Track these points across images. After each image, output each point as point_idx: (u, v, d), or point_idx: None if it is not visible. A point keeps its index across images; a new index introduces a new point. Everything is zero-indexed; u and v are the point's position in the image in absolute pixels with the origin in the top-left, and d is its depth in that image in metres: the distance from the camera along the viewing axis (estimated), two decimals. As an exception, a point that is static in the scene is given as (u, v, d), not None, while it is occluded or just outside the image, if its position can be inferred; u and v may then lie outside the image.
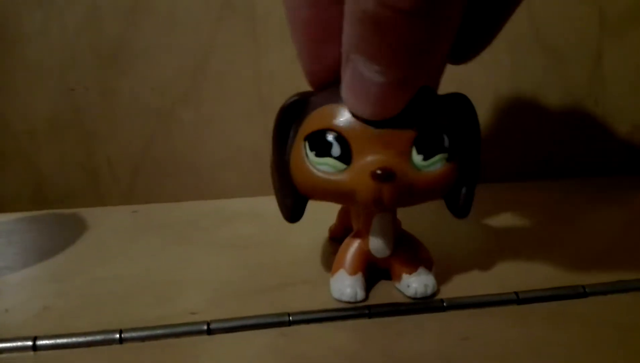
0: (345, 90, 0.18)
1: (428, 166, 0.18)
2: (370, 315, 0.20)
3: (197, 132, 0.37)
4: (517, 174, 0.40)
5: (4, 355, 0.18)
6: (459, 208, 0.21)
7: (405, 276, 0.21)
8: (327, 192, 0.19)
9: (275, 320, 0.20)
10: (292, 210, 0.21)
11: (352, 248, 0.22)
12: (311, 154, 0.19)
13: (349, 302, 0.21)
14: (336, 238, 0.27)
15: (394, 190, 0.18)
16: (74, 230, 0.31)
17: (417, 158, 0.18)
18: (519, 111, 0.39)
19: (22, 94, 0.36)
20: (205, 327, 0.19)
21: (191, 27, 0.36)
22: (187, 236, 0.30)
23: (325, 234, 0.28)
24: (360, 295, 0.21)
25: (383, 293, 0.22)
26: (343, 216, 0.27)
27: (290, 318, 0.20)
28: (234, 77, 0.36)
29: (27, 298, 0.23)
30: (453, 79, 0.37)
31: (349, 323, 0.20)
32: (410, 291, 0.21)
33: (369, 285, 0.22)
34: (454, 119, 0.20)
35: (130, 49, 0.36)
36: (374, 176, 0.17)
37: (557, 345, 0.18)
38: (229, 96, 0.37)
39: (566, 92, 0.39)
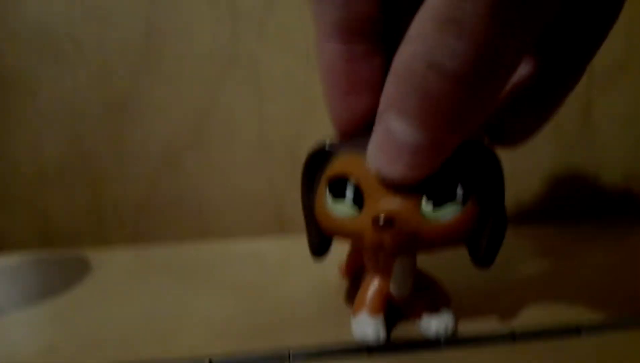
0: (374, 150, 0.18)
1: (438, 215, 0.18)
2: (369, 351, 0.20)
3: (200, 177, 0.38)
4: (510, 219, 0.40)
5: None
6: (480, 257, 0.21)
7: (426, 316, 0.22)
8: (342, 233, 0.20)
9: (276, 356, 0.20)
10: (318, 246, 0.22)
11: (373, 288, 0.22)
12: (330, 198, 0.20)
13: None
14: (352, 277, 0.27)
15: (395, 237, 0.18)
16: (79, 270, 0.32)
17: (426, 206, 0.18)
18: (512, 160, 0.40)
19: (32, 140, 0.37)
20: (207, 362, 0.19)
21: (197, 79, 0.38)
22: (190, 276, 0.30)
23: (323, 275, 0.28)
24: (383, 335, 0.21)
25: (403, 333, 0.22)
26: (353, 255, 0.27)
27: (291, 354, 0.20)
28: (237, 125, 0.38)
29: (32, 337, 0.23)
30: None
31: (348, 360, 0.20)
32: (431, 331, 0.21)
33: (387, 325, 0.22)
34: (471, 168, 0.19)
35: (138, 100, 0.38)
36: (374, 222, 0.18)
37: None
38: (232, 143, 0.38)
39: (557, 141, 0.40)
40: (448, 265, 0.27)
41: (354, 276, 0.25)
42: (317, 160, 0.21)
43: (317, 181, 0.21)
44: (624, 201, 0.41)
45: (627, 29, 0.38)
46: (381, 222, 0.18)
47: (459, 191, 0.19)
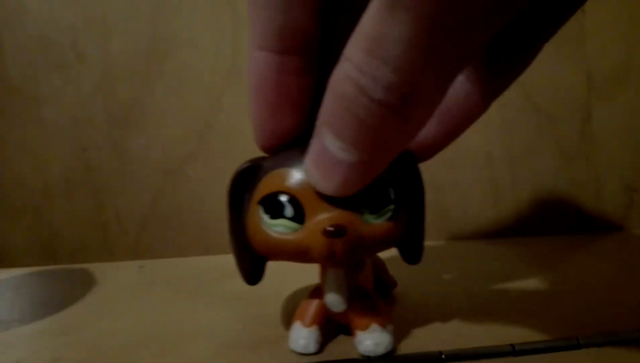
0: (310, 165, 0.18)
1: (377, 219, 0.19)
2: (370, 365, 0.20)
3: (203, 188, 0.38)
4: (508, 230, 0.41)
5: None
6: (411, 255, 0.22)
7: (358, 332, 0.21)
8: (284, 251, 0.20)
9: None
10: (252, 272, 0.22)
11: (312, 302, 0.22)
12: (265, 217, 0.20)
13: (302, 354, 0.21)
14: None
15: (346, 244, 0.18)
16: (83, 284, 0.32)
17: (366, 212, 0.19)
18: (511, 169, 0.40)
19: (36, 152, 0.38)
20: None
21: (200, 89, 0.38)
22: (192, 290, 0.30)
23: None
24: (313, 347, 0.21)
25: (338, 348, 0.22)
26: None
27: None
28: (240, 135, 0.38)
29: (36, 350, 0.23)
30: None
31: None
32: (361, 348, 0.21)
33: (330, 340, 0.23)
34: (398, 172, 0.21)
35: (142, 111, 0.38)
36: (325, 233, 0.18)
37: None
38: (235, 154, 0.38)
39: (557, 151, 0.40)
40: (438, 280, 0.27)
41: None
42: (245, 179, 0.21)
43: (246, 202, 0.21)
44: (624, 214, 0.41)
45: (627, 40, 0.38)
46: (334, 232, 0.18)
47: (392, 194, 0.20)
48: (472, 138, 0.39)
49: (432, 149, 0.22)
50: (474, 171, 0.40)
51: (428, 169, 0.39)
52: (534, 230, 0.41)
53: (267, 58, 0.18)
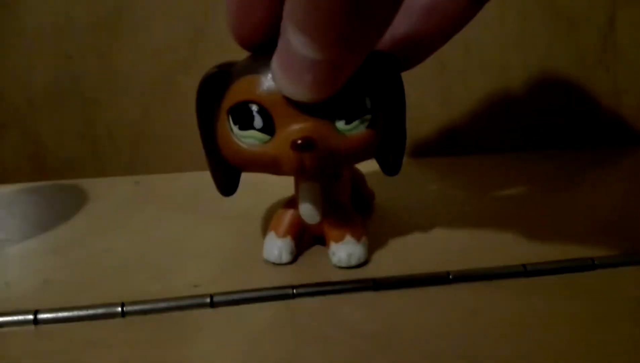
0: (276, 67, 0.17)
1: (351, 129, 0.18)
2: (376, 288, 0.20)
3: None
4: (524, 144, 0.39)
5: (5, 329, 0.18)
6: (390, 166, 0.21)
7: (332, 244, 0.22)
8: (255, 163, 0.19)
9: (279, 293, 0.19)
10: (225, 183, 0.21)
11: (287, 212, 0.22)
12: (235, 128, 0.19)
13: (275, 264, 0.22)
14: None
15: (316, 158, 0.18)
16: (75, 201, 0.31)
17: (339, 122, 0.18)
18: (528, 79, 0.38)
19: (19, 63, 0.35)
20: (208, 300, 0.19)
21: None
22: (189, 207, 0.29)
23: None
24: (286, 257, 0.22)
25: (312, 259, 0.22)
26: None
27: (294, 291, 0.19)
28: (233, 42, 0.36)
29: (27, 271, 0.23)
30: (457, 46, 0.37)
31: (354, 295, 0.19)
32: (334, 260, 0.21)
33: (304, 250, 0.23)
34: (376, 78, 0.19)
35: (128, 15, 0.35)
36: (294, 146, 0.17)
37: (565, 317, 0.18)
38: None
39: (577, 60, 0.38)
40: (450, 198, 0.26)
41: None
42: (213, 87, 0.19)
43: (216, 110, 0.19)
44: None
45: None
46: (302, 145, 0.17)
47: (368, 103, 0.19)
48: (487, 41, 0.37)
49: (418, 50, 0.21)
50: (487, 77, 0.38)
51: (438, 79, 0.37)
52: (549, 143, 0.39)
53: None
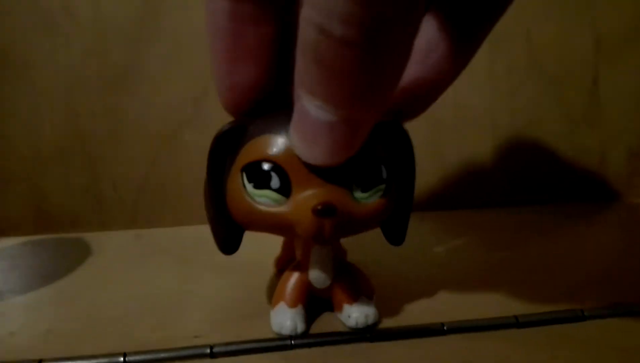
0: (292, 131, 0.17)
1: (367, 197, 0.18)
2: (372, 339, 0.20)
3: (200, 155, 0.37)
4: (513, 198, 0.40)
5: (10, 378, 0.18)
6: (396, 236, 0.22)
7: (346, 306, 0.21)
8: (267, 224, 0.19)
9: (278, 344, 0.20)
10: (228, 242, 0.20)
11: (292, 279, 0.21)
12: (249, 186, 0.18)
13: (290, 336, 0.20)
14: (283, 269, 0.25)
15: (335, 224, 0.17)
16: (78, 254, 0.31)
17: (356, 190, 0.18)
18: (516, 135, 0.40)
19: (28, 119, 0.37)
20: (208, 351, 0.19)
21: (196, 52, 0.37)
22: (189, 259, 0.30)
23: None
24: (300, 327, 0.21)
25: (325, 325, 0.21)
26: (287, 247, 0.26)
27: (292, 342, 0.20)
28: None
29: (31, 321, 0.23)
30: (449, 103, 0.38)
31: (351, 346, 0.20)
32: (351, 322, 0.21)
33: (312, 317, 0.22)
34: (389, 148, 0.19)
35: (136, 75, 0.37)
36: (315, 211, 0.17)
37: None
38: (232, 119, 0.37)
39: (563, 116, 0.40)
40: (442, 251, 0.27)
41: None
42: (228, 142, 0.19)
43: (228, 167, 0.19)
44: (629, 182, 0.40)
45: (636, 2, 0.37)
46: (324, 211, 0.17)
47: (384, 172, 0.19)
48: (477, 100, 0.39)
49: (417, 99, 0.21)
50: (476, 134, 0.39)
51: (431, 134, 0.39)
52: (537, 198, 0.40)
53: (221, 6, 0.17)
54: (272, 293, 0.22)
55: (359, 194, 0.18)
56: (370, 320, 0.21)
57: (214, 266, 0.28)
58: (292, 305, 0.21)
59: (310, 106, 0.15)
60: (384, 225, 0.21)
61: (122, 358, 0.19)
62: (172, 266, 0.29)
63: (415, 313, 0.22)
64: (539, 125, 0.40)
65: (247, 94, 0.18)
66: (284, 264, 0.26)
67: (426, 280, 0.26)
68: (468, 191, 0.40)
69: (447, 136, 0.39)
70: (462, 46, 0.20)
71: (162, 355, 0.19)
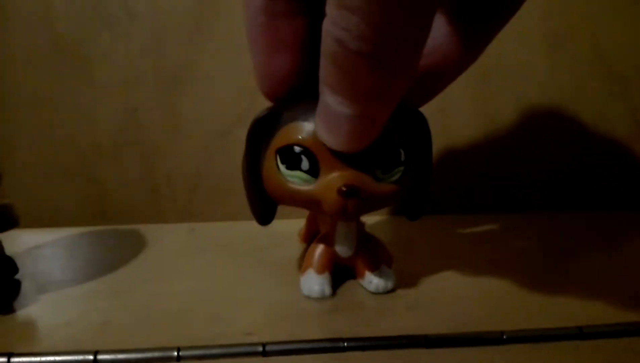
0: (317, 121, 0.19)
1: (387, 178, 0.21)
2: (427, 345, 0.19)
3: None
4: (577, 202, 0.39)
5: (66, 368, 0.19)
6: (414, 212, 0.24)
7: (367, 273, 0.24)
8: (297, 200, 0.21)
9: (331, 345, 0.19)
10: (263, 214, 0.23)
11: (319, 249, 0.24)
12: (282, 167, 0.21)
13: (318, 298, 0.23)
14: (308, 242, 0.30)
15: (358, 203, 0.20)
16: (134, 246, 0.32)
17: (377, 171, 0.20)
18: (580, 136, 0.38)
19: (87, 114, 0.38)
20: (260, 349, 0.19)
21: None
22: (243, 255, 0.30)
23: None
24: (328, 291, 0.23)
25: (349, 291, 0.24)
26: (310, 222, 0.30)
27: (345, 344, 0.19)
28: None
29: (87, 311, 0.23)
30: (511, 101, 0.37)
31: (405, 352, 0.19)
32: (371, 287, 0.24)
33: (336, 283, 0.24)
34: (409, 133, 0.21)
35: (192, 71, 0.37)
36: (340, 192, 0.19)
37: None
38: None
39: (630, 118, 0.38)
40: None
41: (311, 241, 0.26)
42: (264, 127, 0.21)
43: (264, 149, 0.21)
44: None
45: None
46: (348, 192, 0.19)
47: (402, 155, 0.21)
48: (539, 101, 0.38)
49: (422, 89, 0.22)
50: (539, 138, 0.38)
51: (490, 134, 0.38)
52: (601, 203, 0.38)
53: (258, 3, 0.19)
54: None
55: (379, 175, 0.20)
56: (390, 286, 0.24)
57: (267, 263, 0.28)
58: (320, 271, 0.24)
59: (331, 101, 0.17)
60: (403, 203, 0.24)
61: (175, 353, 0.19)
62: (225, 261, 0.29)
63: (474, 320, 0.21)
64: (604, 127, 0.38)
65: (284, 81, 0.20)
66: (309, 237, 0.30)
67: (484, 286, 0.25)
68: (528, 193, 0.39)
69: (508, 134, 0.38)
70: (471, 40, 0.21)
71: (215, 351, 0.19)
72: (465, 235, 0.33)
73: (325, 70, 0.17)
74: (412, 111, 0.22)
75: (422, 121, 0.22)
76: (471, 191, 0.39)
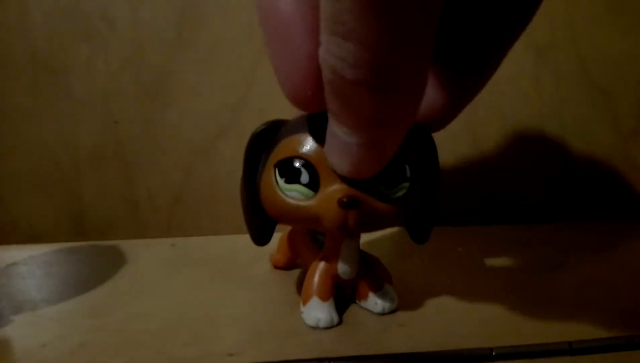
0: (326, 148, 0.18)
1: (390, 194, 0.20)
2: (414, 362, 0.19)
3: (236, 165, 0.37)
4: (561, 214, 0.39)
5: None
6: (419, 234, 0.23)
7: (371, 295, 0.23)
8: (296, 217, 0.20)
9: (317, 359, 0.19)
10: (261, 233, 0.22)
11: (320, 273, 0.22)
12: (281, 181, 0.20)
13: (326, 328, 0.22)
14: (282, 267, 0.29)
15: (359, 217, 0.19)
16: (113, 262, 0.31)
17: (381, 187, 0.20)
18: (564, 148, 0.38)
19: (66, 125, 0.37)
20: (244, 370, 0.19)
21: (233, 62, 0.37)
22: (224, 271, 0.29)
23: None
24: (336, 319, 0.22)
25: (354, 315, 0.23)
26: (288, 246, 0.28)
27: (331, 359, 0.19)
28: (274, 111, 0.36)
29: (64, 333, 0.22)
30: (496, 112, 0.37)
31: None
32: (378, 309, 0.23)
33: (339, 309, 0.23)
34: (415, 150, 0.21)
35: (173, 83, 0.37)
36: (340, 203, 0.18)
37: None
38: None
39: (613, 130, 0.38)
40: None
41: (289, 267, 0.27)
42: (263, 141, 0.21)
43: (262, 164, 0.21)
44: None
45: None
46: (348, 203, 0.18)
47: (407, 170, 0.20)
48: (524, 113, 0.38)
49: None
50: (525, 149, 0.38)
51: (476, 146, 0.37)
52: (585, 214, 0.38)
53: None
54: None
55: (383, 191, 0.20)
56: (395, 306, 0.23)
57: (250, 278, 0.28)
58: (325, 298, 0.22)
59: (338, 131, 0.16)
60: (408, 224, 0.23)
61: (155, 376, 0.18)
62: (207, 277, 0.29)
63: (462, 336, 0.21)
64: (587, 139, 0.38)
65: (311, 73, 0.16)
66: (288, 264, 0.28)
67: (472, 302, 0.24)
68: (513, 205, 0.39)
69: (493, 145, 0.38)
70: (455, 95, 0.20)
71: (196, 373, 0.18)
72: (451, 249, 0.32)
73: (328, 99, 0.16)
74: (418, 127, 0.21)
75: (428, 137, 0.22)
76: (456, 204, 0.38)
